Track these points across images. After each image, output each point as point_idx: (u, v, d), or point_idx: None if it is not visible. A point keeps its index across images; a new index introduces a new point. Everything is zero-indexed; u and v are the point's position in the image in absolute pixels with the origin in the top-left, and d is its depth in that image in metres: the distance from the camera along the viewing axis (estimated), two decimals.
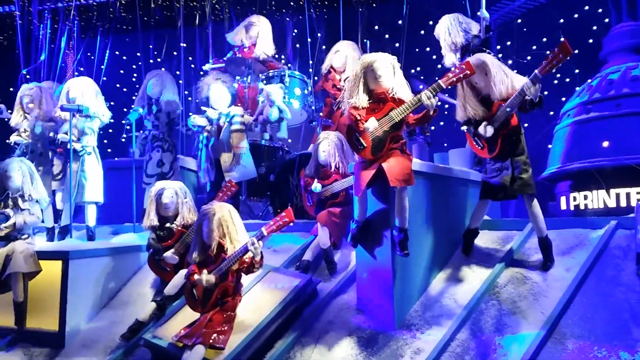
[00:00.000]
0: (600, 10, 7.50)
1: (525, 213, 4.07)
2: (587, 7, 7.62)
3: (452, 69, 3.69)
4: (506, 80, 3.86)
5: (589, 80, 6.64)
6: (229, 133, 5.41)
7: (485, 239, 4.44)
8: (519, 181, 3.92)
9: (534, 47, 7.63)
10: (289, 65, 7.05)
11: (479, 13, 5.15)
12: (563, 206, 6.54)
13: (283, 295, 3.99)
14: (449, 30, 5.17)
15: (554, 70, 3.68)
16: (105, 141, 9.14)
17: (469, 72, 3.62)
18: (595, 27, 7.46)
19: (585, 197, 6.15)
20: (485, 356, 3.43)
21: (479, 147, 4.04)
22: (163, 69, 6.54)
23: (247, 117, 5.58)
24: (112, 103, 8.04)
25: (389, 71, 3.77)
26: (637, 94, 5.98)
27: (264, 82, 5.96)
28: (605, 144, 6.06)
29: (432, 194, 4.19)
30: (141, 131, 6.00)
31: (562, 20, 7.75)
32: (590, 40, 7.21)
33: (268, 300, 3.97)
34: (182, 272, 4.35)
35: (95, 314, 4.62)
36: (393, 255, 3.78)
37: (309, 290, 4.16)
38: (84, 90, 5.37)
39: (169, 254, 4.43)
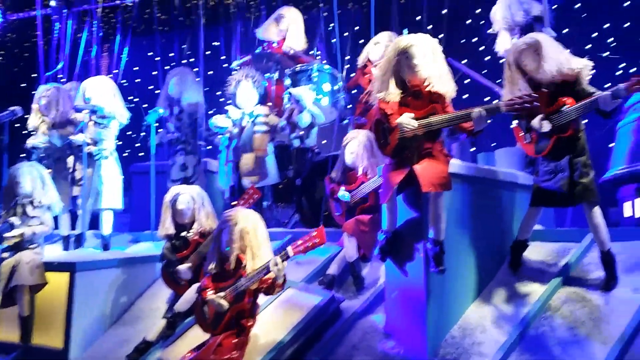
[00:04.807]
0: None
1: (584, 221, 3.48)
2: None
3: (515, 98, 3.15)
4: (561, 57, 3.31)
5: None
6: (251, 134, 5.03)
7: (536, 253, 3.85)
8: (579, 186, 3.33)
9: (594, 35, 6.90)
10: (325, 61, 6.62)
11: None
12: (627, 213, 5.79)
13: (301, 315, 3.56)
14: (509, 6, 4.67)
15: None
16: (138, 144, 9.00)
17: (537, 104, 3.10)
18: None
19: None
20: None
21: (527, 142, 3.48)
22: (197, 68, 6.24)
23: (272, 117, 5.19)
24: (145, 105, 7.83)
25: (428, 58, 3.23)
26: None
27: (291, 77, 5.54)
28: None
29: (473, 200, 3.65)
30: (160, 130, 5.72)
31: (627, 3, 6.99)
32: None
33: (284, 322, 3.54)
34: (195, 287, 3.99)
35: (104, 330, 4.32)
36: (426, 272, 3.27)
37: (331, 309, 3.70)
38: (101, 90, 5.13)
39: (183, 267, 4.06)
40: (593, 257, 3.62)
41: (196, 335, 3.59)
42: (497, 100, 4.67)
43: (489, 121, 3.17)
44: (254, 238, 3.38)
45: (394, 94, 3.29)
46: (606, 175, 6.01)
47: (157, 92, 9.00)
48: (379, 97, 3.34)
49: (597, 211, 3.38)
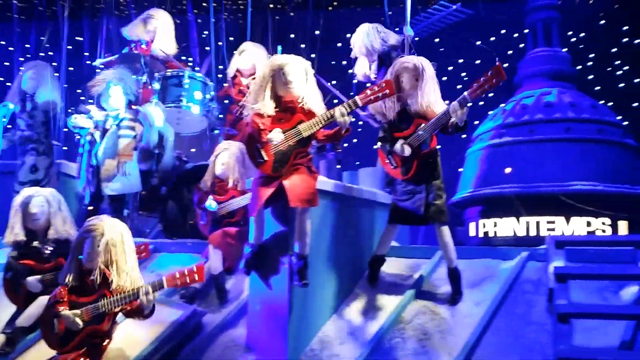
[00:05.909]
0: (516, 35, 7.55)
1: (434, 239, 3.77)
2: (503, 31, 7.65)
3: (371, 85, 3.36)
4: (432, 97, 3.55)
5: (503, 105, 6.60)
6: (115, 138, 4.74)
7: (392, 267, 4.09)
8: (432, 207, 3.61)
9: (450, 68, 7.54)
10: (197, 68, 6.50)
11: (404, 29, 4.94)
12: (472, 232, 6.41)
13: (160, 330, 3.43)
14: (367, 34, 4.92)
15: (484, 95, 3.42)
16: None
17: (388, 91, 3.27)
18: (510, 52, 7.50)
19: (495, 225, 6.01)
20: None
21: (392, 167, 3.70)
22: (56, 63, 5.76)
23: (138, 125, 4.90)
24: None
25: (301, 77, 3.36)
26: (550, 120, 5.94)
27: (161, 82, 5.35)
28: (508, 170, 5.97)
29: (337, 216, 3.80)
30: (10, 127, 5.21)
31: (478, 43, 7.75)
32: (506, 64, 7.21)
33: (141, 338, 3.39)
34: (41, 300, 3.64)
35: None
36: (290, 285, 3.34)
37: (192, 324, 3.61)
38: None
39: (33, 279, 3.70)
40: (442, 272, 3.91)
41: (40, 351, 3.33)
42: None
43: (351, 118, 3.29)
44: (121, 251, 3.14)
45: (268, 106, 3.34)
46: (455, 198, 6.58)
47: (8, 84, 8.22)
48: (255, 108, 3.36)
49: (446, 230, 3.69)
